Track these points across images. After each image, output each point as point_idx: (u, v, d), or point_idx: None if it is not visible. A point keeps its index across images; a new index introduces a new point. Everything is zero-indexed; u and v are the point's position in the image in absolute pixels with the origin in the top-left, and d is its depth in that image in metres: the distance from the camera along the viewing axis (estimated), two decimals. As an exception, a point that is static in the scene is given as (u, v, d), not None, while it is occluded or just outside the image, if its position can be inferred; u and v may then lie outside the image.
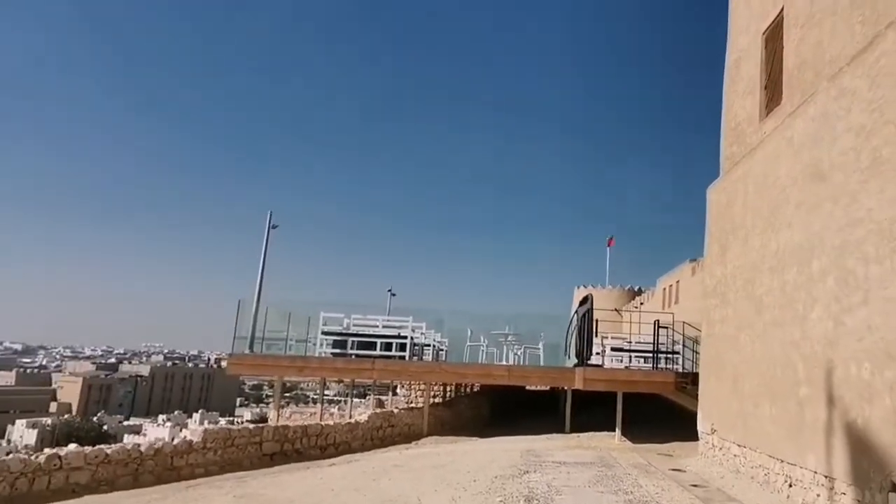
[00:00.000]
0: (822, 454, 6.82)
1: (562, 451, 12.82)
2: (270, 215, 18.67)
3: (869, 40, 6.87)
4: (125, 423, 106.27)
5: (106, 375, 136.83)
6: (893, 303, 5.69)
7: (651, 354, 16.69)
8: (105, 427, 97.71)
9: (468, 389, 25.04)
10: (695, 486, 9.02)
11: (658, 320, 14.79)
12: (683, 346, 14.70)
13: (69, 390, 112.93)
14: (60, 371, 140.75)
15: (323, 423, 13.87)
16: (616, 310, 50.89)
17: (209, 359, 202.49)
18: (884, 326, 5.81)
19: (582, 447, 13.45)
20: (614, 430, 15.10)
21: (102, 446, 9.36)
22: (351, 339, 17.32)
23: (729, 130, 12.36)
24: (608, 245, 55.33)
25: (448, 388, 33.40)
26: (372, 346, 17.25)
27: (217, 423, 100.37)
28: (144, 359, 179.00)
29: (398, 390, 27.80)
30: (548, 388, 26.18)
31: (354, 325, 17.71)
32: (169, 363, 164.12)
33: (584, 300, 21.37)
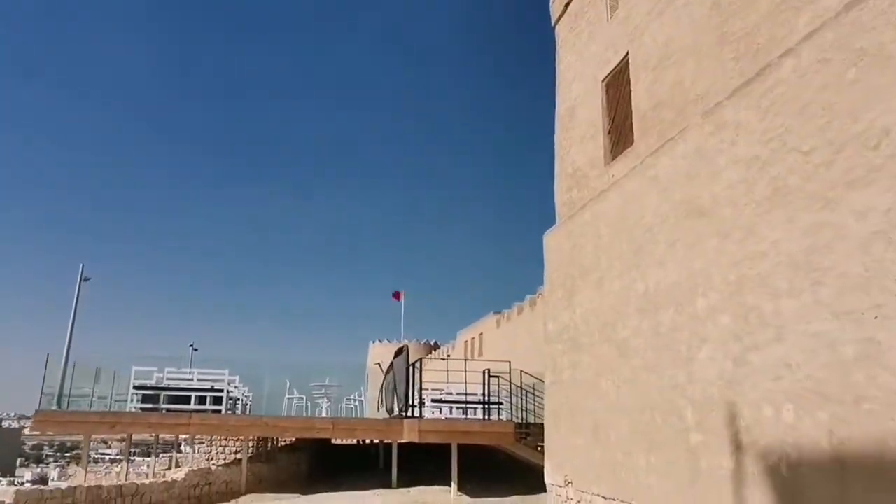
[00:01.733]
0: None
1: None
2: (83, 268, 16.59)
3: (752, 73, 6.80)
4: None
5: None
6: (820, 338, 5.37)
7: (474, 405, 16.22)
8: None
9: (273, 443, 23.09)
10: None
11: (488, 369, 14.25)
12: (521, 396, 14.24)
13: None
14: None
15: (139, 482, 11.96)
16: (411, 364, 50.82)
17: None
18: (809, 364, 5.47)
19: (422, 503, 12.42)
20: (446, 485, 14.27)
21: None
22: (164, 393, 15.94)
23: (566, 176, 12.30)
24: (396, 299, 55.32)
25: (254, 443, 31.10)
26: (186, 400, 15.99)
27: None
28: None
29: (182, 447, 25.14)
30: (366, 441, 24.90)
31: (168, 379, 15.86)
32: None
33: (400, 351, 20.54)
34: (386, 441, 20.25)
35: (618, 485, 8.85)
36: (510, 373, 14.00)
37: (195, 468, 13.56)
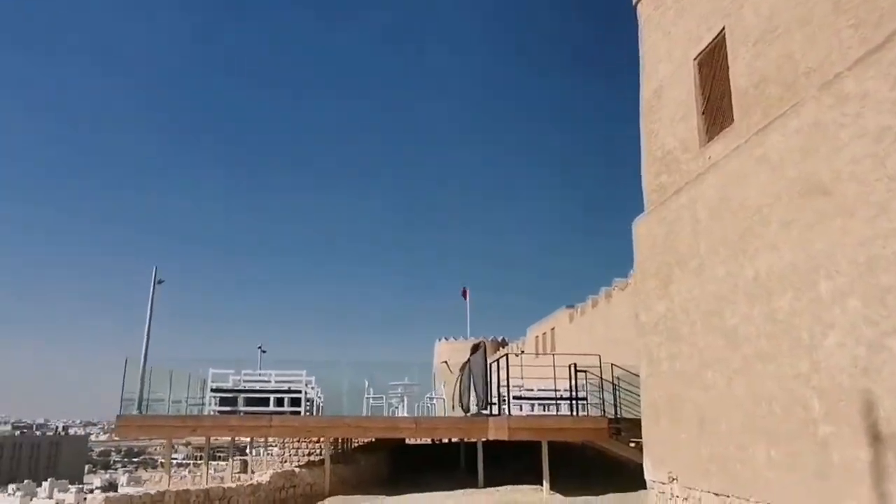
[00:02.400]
0: (869, 499, 5.95)
1: None
2: (156, 270, 16.73)
3: (878, 40, 6.35)
4: None
5: None
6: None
7: (557, 401, 15.89)
8: None
9: (347, 445, 23.17)
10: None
11: (575, 363, 13.91)
12: (609, 390, 13.83)
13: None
14: None
15: (225, 486, 12.05)
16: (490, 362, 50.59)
17: (56, 427, 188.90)
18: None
19: (514, 502, 12.19)
20: (533, 483, 14.00)
21: None
22: (242, 395, 15.74)
23: (654, 161, 11.89)
24: (463, 296, 55.12)
25: (325, 443, 31.39)
26: (264, 402, 15.85)
27: (67, 490, 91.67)
28: None
29: (248, 450, 25.44)
30: (441, 441, 24.83)
31: (245, 381, 15.90)
32: (17, 432, 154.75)
33: (476, 347, 20.36)
34: (467, 440, 20.12)
35: (731, 480, 8.46)
36: (600, 366, 13.61)
37: (279, 471, 13.58)
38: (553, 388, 16.07)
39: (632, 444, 13.08)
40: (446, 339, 56.64)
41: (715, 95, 10.18)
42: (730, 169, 9.03)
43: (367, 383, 19.47)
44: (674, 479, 10.19)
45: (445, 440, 24.77)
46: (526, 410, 17.20)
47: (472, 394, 19.78)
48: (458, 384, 22.37)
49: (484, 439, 15.60)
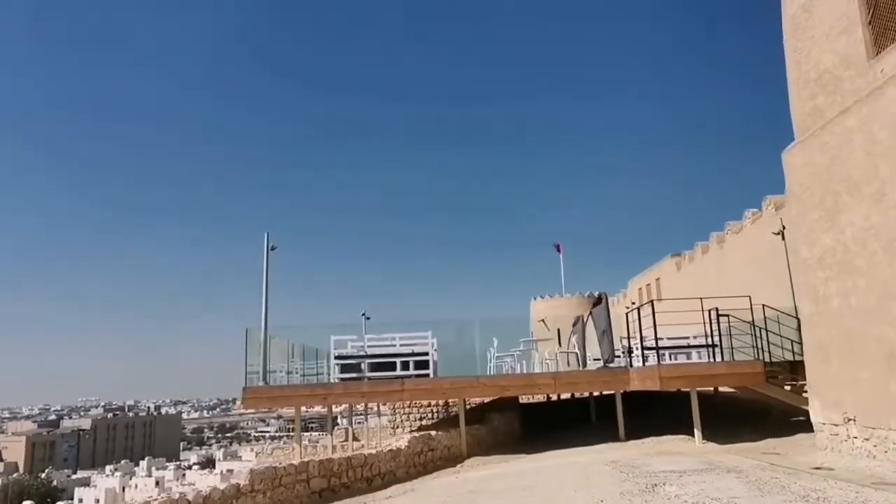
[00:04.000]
0: None
1: (645, 458, 11.06)
2: (268, 236, 16.40)
3: None
4: (73, 476, 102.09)
5: (48, 432, 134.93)
6: None
7: (696, 348, 15.21)
8: (54, 482, 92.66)
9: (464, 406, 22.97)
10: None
11: (716, 308, 13.15)
12: (758, 333, 13.05)
13: (13, 450, 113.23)
14: (2, 432, 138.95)
15: (366, 452, 11.97)
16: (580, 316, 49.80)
17: (148, 407, 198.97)
18: None
19: (665, 453, 11.68)
20: (677, 434, 13.44)
21: (149, 498, 7.50)
22: (367, 361, 15.50)
23: (806, 83, 10.95)
24: (557, 251, 54.17)
25: (437, 406, 31.36)
26: (389, 366, 15.52)
27: (165, 467, 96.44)
28: (83, 413, 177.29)
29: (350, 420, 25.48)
30: (560, 396, 24.50)
31: (369, 346, 15.73)
32: (109, 415, 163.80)
33: (598, 300, 19.79)
34: (598, 393, 19.68)
35: (935, 418, 7.74)
36: (751, 308, 12.81)
37: (416, 434, 13.38)
38: (686, 335, 15.43)
39: (786, 388, 12.36)
40: (541, 297, 55.84)
41: (886, 2, 9.20)
42: (919, 79, 8.12)
43: (495, 342, 19.08)
44: (850, 420, 9.50)
45: (564, 396, 24.42)
46: (652, 361, 16.61)
47: (591, 347, 19.26)
48: (571, 339, 21.91)
49: (627, 391, 15.07)
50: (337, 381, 15.40)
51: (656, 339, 12.97)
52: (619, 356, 17.44)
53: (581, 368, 18.93)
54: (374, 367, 15.59)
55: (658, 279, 33.56)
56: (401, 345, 15.85)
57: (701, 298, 12.68)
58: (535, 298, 55.83)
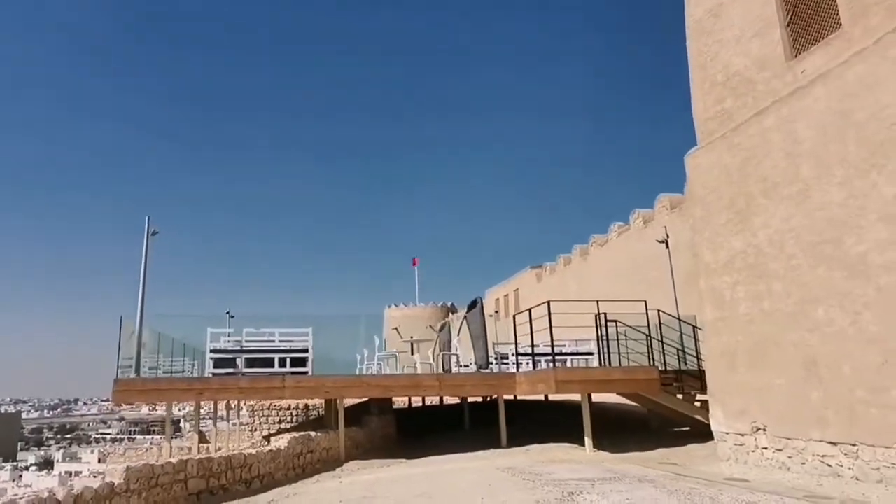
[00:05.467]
0: None
1: (540, 466, 10.37)
2: (148, 220, 14.68)
3: None
4: None
5: None
6: None
7: (583, 355, 14.88)
8: None
9: (332, 407, 21.58)
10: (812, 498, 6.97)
11: (605, 313, 12.78)
12: (654, 341, 12.74)
13: None
14: None
15: (245, 452, 10.69)
16: (430, 326, 49.47)
17: None
18: None
19: (557, 461, 11.01)
20: (561, 442, 12.93)
21: (15, 497, 6.30)
22: (243, 356, 14.16)
23: (713, 86, 10.79)
24: (413, 265, 54.09)
25: (296, 410, 29.54)
26: (268, 362, 14.22)
27: (1, 468, 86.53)
28: None
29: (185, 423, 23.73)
30: (423, 401, 23.61)
31: (247, 341, 14.43)
32: None
33: (474, 304, 19.06)
34: (470, 399, 19.00)
35: (861, 427, 7.49)
36: (646, 313, 12.48)
37: (296, 435, 12.07)
38: (563, 342, 14.98)
39: (683, 396, 12.13)
40: (395, 305, 55.11)
41: (805, 4, 9.10)
42: (850, 78, 7.94)
43: (377, 340, 17.97)
44: (760, 430, 9.21)
45: (432, 401, 23.60)
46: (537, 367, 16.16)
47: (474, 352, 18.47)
48: (436, 345, 21.02)
49: (512, 395, 14.47)
50: (211, 376, 14.02)
51: (552, 342, 12.34)
52: (492, 362, 16.85)
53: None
54: (251, 363, 14.34)
55: (517, 290, 33.72)
56: (280, 340, 14.52)
57: (597, 301, 12.22)
58: (389, 306, 55.01)
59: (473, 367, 17.42)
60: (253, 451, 10.73)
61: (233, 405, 20.20)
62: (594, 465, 10.44)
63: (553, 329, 12.01)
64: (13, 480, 78.86)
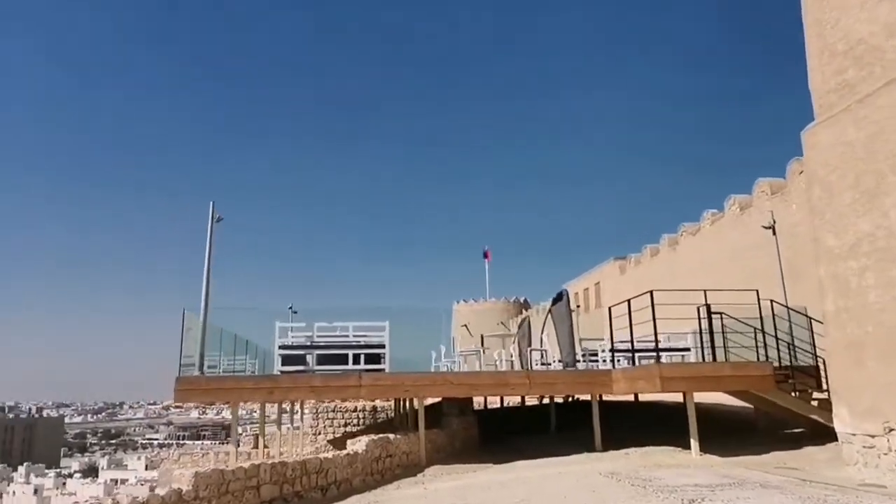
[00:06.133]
0: None
1: (647, 471, 9.71)
2: (213, 206, 14.27)
3: None
4: None
5: None
6: None
7: (679, 351, 14.09)
8: None
9: (404, 407, 21.01)
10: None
11: (708, 305, 11.98)
12: (761, 335, 11.83)
13: None
14: None
15: (321, 456, 10.37)
16: (502, 323, 48.78)
17: (30, 409, 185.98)
18: None
19: (664, 466, 10.34)
20: (661, 445, 12.16)
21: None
22: (315, 352, 13.64)
23: (833, 57, 9.90)
24: (485, 257, 53.22)
25: (363, 412, 29.30)
26: (341, 359, 13.63)
27: (44, 474, 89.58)
28: None
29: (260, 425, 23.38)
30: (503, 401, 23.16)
31: (318, 337, 13.93)
32: None
33: (559, 297, 18.42)
34: (559, 399, 18.44)
35: None
36: (758, 303, 11.64)
37: (374, 438, 11.65)
38: (647, 340, 14.22)
39: (799, 395, 11.30)
40: (465, 301, 54.38)
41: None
42: None
43: (468, 332, 17.51)
44: (893, 430, 8.38)
45: (512, 402, 23.11)
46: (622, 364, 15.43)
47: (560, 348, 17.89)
48: (516, 340, 20.47)
49: (610, 395, 13.88)
50: (278, 373, 13.63)
51: (655, 335, 11.64)
52: (579, 360, 16.21)
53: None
54: (322, 361, 13.81)
55: (598, 283, 32.77)
56: (353, 335, 14.09)
57: (704, 290, 11.47)
58: (457, 302, 54.16)
59: (556, 365, 16.85)
60: (329, 456, 10.43)
61: (296, 406, 19.73)
62: (704, 469, 9.75)
63: (655, 322, 11.29)
64: (57, 488, 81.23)
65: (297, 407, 20.76)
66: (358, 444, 11.39)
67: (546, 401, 21.71)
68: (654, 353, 12.19)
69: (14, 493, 79.87)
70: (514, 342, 20.70)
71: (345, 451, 11.02)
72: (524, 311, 50.30)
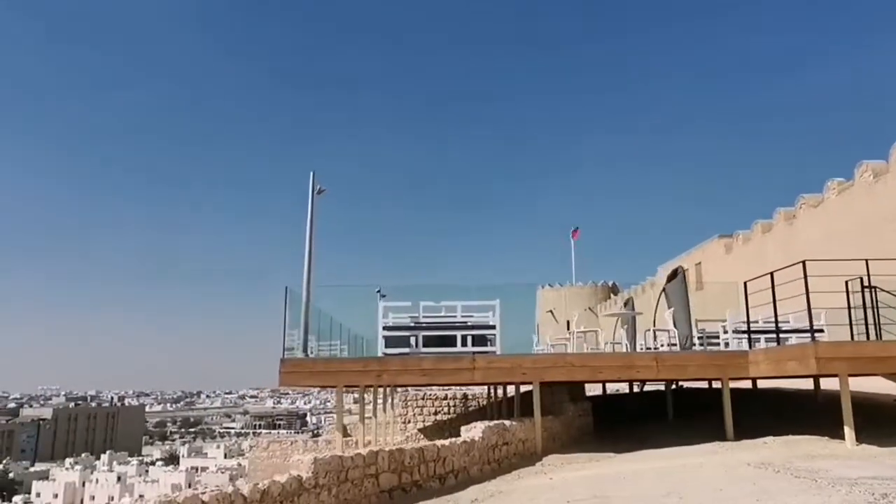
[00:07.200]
0: None
1: (802, 462, 8.27)
2: (313, 176, 13.63)
3: None
4: (31, 469, 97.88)
5: (7, 421, 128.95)
6: None
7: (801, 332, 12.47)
8: (11, 475, 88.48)
9: (498, 394, 19.74)
10: None
11: (861, 278, 10.43)
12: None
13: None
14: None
15: (438, 444, 9.53)
16: (589, 308, 46.90)
17: (112, 398, 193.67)
18: None
19: (818, 456, 8.82)
20: (797, 434, 10.65)
21: (197, 492, 5.80)
22: (421, 334, 12.73)
23: None
24: (573, 237, 50.91)
25: (454, 399, 28.12)
26: (447, 341, 12.75)
27: (127, 462, 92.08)
28: (43, 402, 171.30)
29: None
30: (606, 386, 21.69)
31: (425, 317, 13.02)
32: (71, 405, 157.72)
33: (674, 274, 16.83)
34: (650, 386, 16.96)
35: None
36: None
37: (490, 424, 10.73)
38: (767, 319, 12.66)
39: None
40: (550, 285, 52.38)
41: None
42: None
43: (575, 315, 16.25)
44: None
45: (619, 387, 21.66)
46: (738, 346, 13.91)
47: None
48: (618, 322, 18.90)
49: (749, 377, 12.45)
50: (383, 356, 12.84)
51: (809, 312, 10.05)
52: (695, 342, 14.74)
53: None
54: (428, 342, 13.01)
55: (699, 263, 30.73)
56: (461, 315, 13.13)
57: (866, 260, 9.88)
58: (542, 287, 51.89)
59: (665, 348, 15.45)
60: (446, 443, 9.59)
61: (387, 393, 18.80)
62: (868, 461, 8.19)
63: (809, 296, 9.75)
64: (140, 475, 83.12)
65: (387, 394, 19.79)
66: (474, 431, 10.66)
67: (647, 388, 20.43)
68: (793, 333, 10.63)
69: (97, 480, 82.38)
70: (623, 324, 19.22)
71: (461, 439, 10.31)
72: (612, 296, 48.36)
